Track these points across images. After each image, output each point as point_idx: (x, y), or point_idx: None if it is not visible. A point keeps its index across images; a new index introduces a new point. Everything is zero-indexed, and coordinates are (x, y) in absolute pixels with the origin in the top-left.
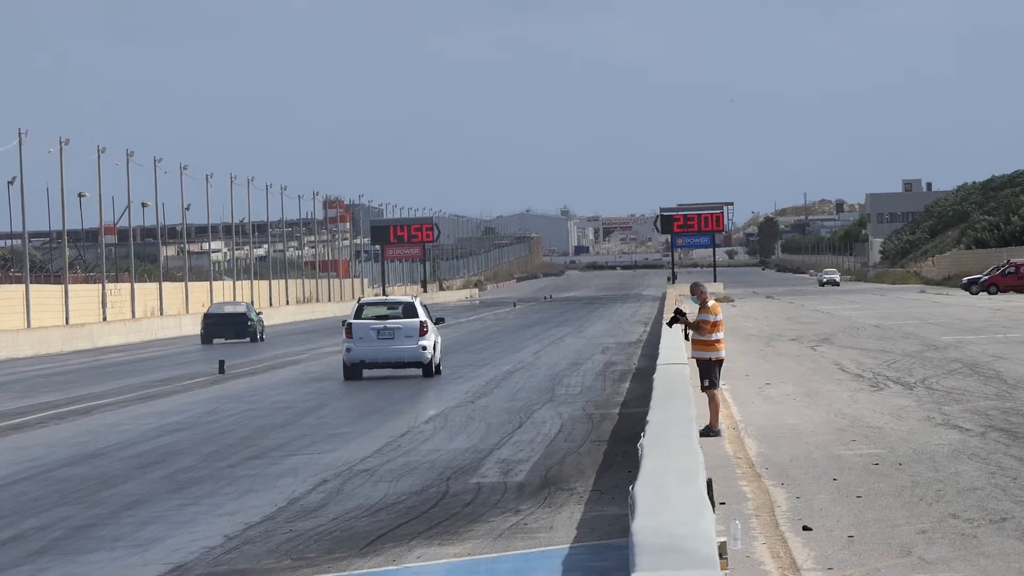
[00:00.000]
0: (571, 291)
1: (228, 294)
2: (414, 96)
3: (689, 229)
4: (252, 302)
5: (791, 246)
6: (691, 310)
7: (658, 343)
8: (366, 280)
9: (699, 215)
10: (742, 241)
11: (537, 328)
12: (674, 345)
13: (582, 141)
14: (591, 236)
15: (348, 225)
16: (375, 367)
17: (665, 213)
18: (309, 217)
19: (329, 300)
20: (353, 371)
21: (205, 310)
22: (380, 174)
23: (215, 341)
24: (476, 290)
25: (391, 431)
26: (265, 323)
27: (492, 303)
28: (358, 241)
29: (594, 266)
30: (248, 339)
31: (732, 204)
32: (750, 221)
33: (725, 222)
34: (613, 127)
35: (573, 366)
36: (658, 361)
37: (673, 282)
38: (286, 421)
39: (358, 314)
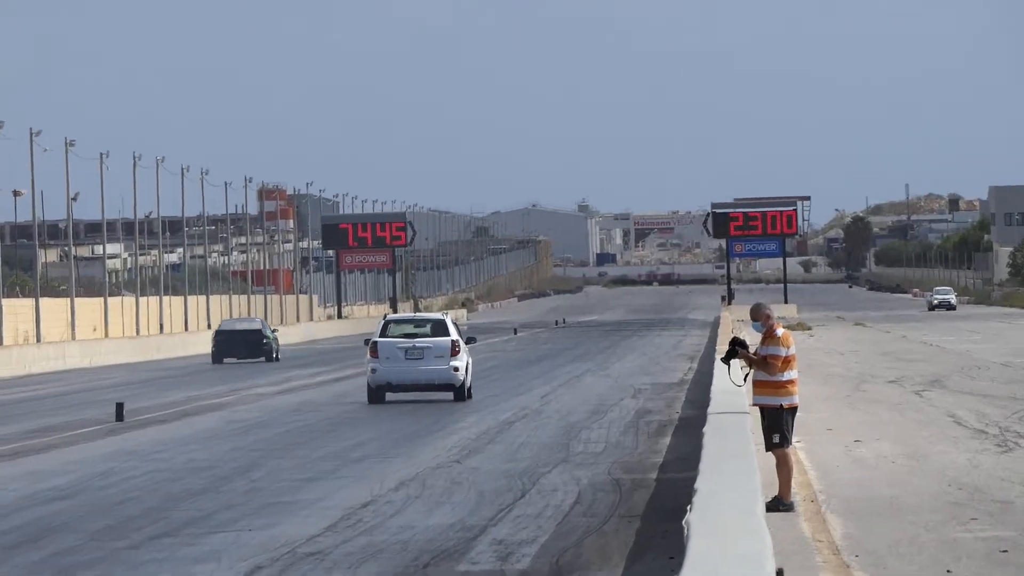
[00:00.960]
0: (592, 314)
1: (128, 313)
2: (384, 62)
3: (751, 232)
4: (161, 326)
5: (888, 256)
6: (753, 341)
7: (709, 385)
8: (315, 297)
9: (764, 213)
10: (822, 249)
11: (546, 363)
12: (730, 388)
13: (605, 118)
14: (619, 240)
15: (292, 223)
16: (402, 390)
17: (719, 210)
18: (240, 212)
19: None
20: (377, 394)
21: (216, 327)
22: (336, 158)
23: (226, 360)
24: (464, 311)
25: (349, 500)
26: (279, 342)
27: (485, 328)
28: (305, 245)
29: (623, 280)
30: (263, 358)
31: (808, 199)
32: (833, 222)
33: (799, 223)
34: (647, 103)
35: (594, 415)
36: (709, 409)
37: (729, 303)
38: (207, 486)
39: (384, 332)
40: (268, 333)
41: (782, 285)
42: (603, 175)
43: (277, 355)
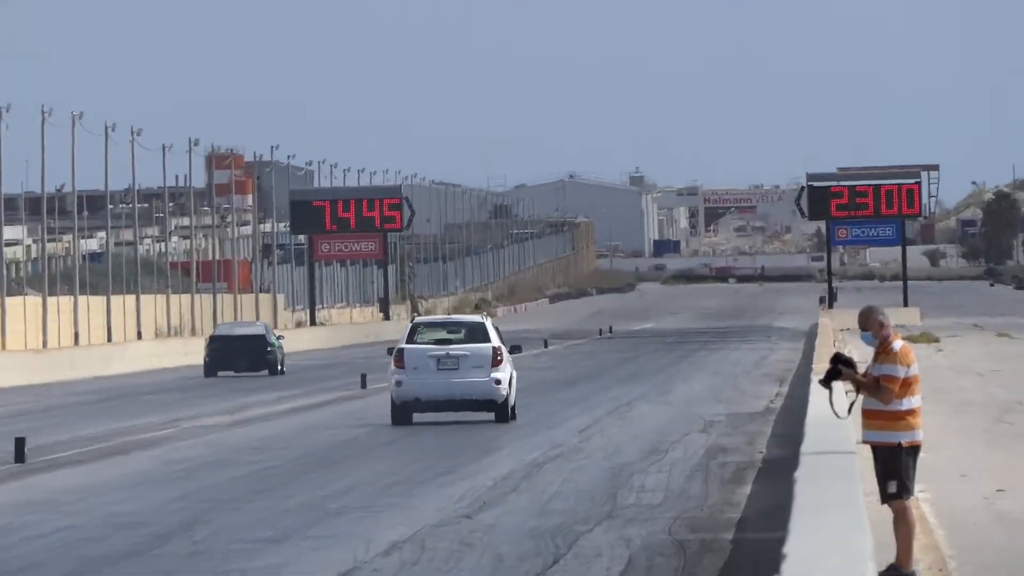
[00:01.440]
0: (647, 320)
1: (32, 318)
2: None
3: (860, 212)
4: (76, 335)
5: None
6: (863, 357)
7: (803, 416)
8: (281, 297)
9: (877, 188)
10: (954, 235)
11: (586, 386)
12: (832, 420)
13: (664, 64)
14: (684, 223)
15: (251, 198)
16: (433, 409)
17: (816, 183)
18: (182, 185)
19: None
20: (403, 412)
21: (210, 333)
22: (311, 114)
23: (220, 373)
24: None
25: (323, 568)
26: (283, 353)
27: (506, 340)
28: (268, 228)
29: (689, 275)
30: (266, 371)
31: (937, 169)
32: (969, 199)
33: (924, 200)
34: (719, 47)
35: (650, 455)
36: (803, 448)
37: (830, 306)
38: (135, 548)
39: (411, 337)
40: (273, 340)
41: (900, 283)
42: (663, 137)
43: (282, 367)
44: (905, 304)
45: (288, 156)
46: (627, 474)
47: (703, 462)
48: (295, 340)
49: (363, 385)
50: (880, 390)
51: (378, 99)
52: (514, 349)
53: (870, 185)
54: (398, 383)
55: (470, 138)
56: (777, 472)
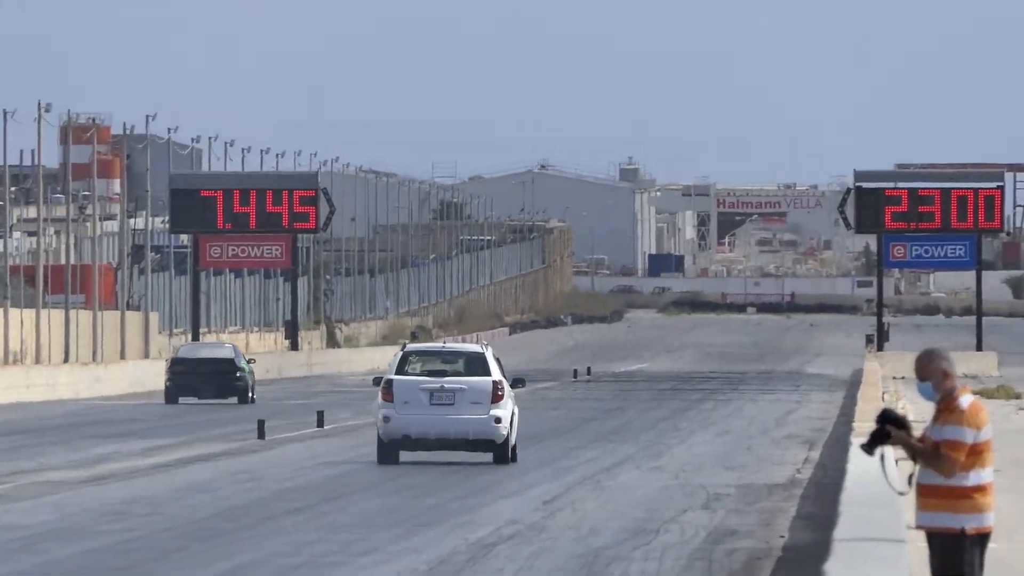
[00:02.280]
0: (639, 359)
1: None
2: None
3: (923, 224)
4: None
5: None
6: (921, 415)
7: (838, 491)
8: (155, 316)
9: (945, 192)
10: None
11: (554, 444)
12: (876, 496)
13: (664, 26)
14: (690, 232)
15: (119, 183)
16: (423, 447)
17: (866, 184)
18: (28, 166)
19: (65, 361)
20: (390, 451)
21: (172, 355)
22: (200, 81)
23: (182, 400)
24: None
25: None
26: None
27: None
28: (140, 224)
29: (697, 302)
30: (235, 398)
31: None
32: None
33: (1006, 211)
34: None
35: (636, 537)
36: (836, 532)
37: (879, 347)
38: None
39: (401, 367)
40: (243, 364)
41: (974, 319)
42: (665, 118)
43: (253, 394)
44: (979, 347)
45: (169, 129)
46: (603, 562)
47: (705, 548)
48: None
49: (260, 435)
50: (941, 459)
51: (290, 60)
52: (516, 383)
53: (937, 189)
54: (386, 418)
55: (411, 114)
56: (803, 564)
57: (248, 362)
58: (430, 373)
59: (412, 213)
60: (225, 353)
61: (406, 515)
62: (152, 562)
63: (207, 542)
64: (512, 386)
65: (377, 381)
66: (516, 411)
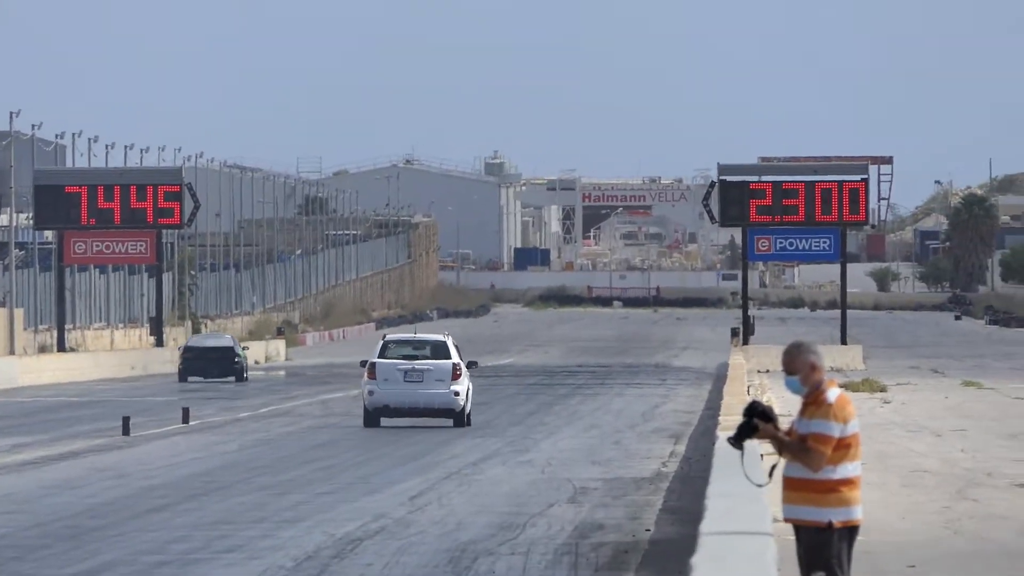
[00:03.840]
0: (506, 354)
1: None
2: None
3: (787, 217)
4: None
5: None
6: (787, 408)
7: (705, 485)
8: (20, 313)
9: (810, 185)
10: (909, 250)
11: (420, 439)
12: (742, 490)
13: (526, 18)
14: (555, 226)
15: None
16: (400, 415)
17: (730, 177)
18: None
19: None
20: (374, 417)
21: (183, 343)
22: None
23: (191, 379)
24: (280, 343)
25: None
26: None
27: (315, 376)
28: (3, 220)
29: (562, 296)
30: (233, 378)
31: (890, 163)
32: (930, 203)
33: (870, 203)
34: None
35: (502, 531)
36: (703, 527)
37: (745, 340)
38: None
39: (382, 352)
40: (239, 351)
41: (838, 312)
42: (529, 113)
43: (247, 375)
44: (844, 341)
45: (32, 126)
46: (470, 556)
47: (571, 542)
48: (37, 370)
49: (125, 431)
50: (808, 453)
51: (153, 55)
52: (471, 365)
53: (802, 182)
54: (370, 392)
55: (275, 109)
56: (669, 557)
57: (244, 348)
58: (404, 357)
59: (277, 208)
60: (226, 342)
61: (271, 511)
62: (14, 561)
63: (71, 540)
64: (467, 367)
65: (363, 363)
66: (470, 387)
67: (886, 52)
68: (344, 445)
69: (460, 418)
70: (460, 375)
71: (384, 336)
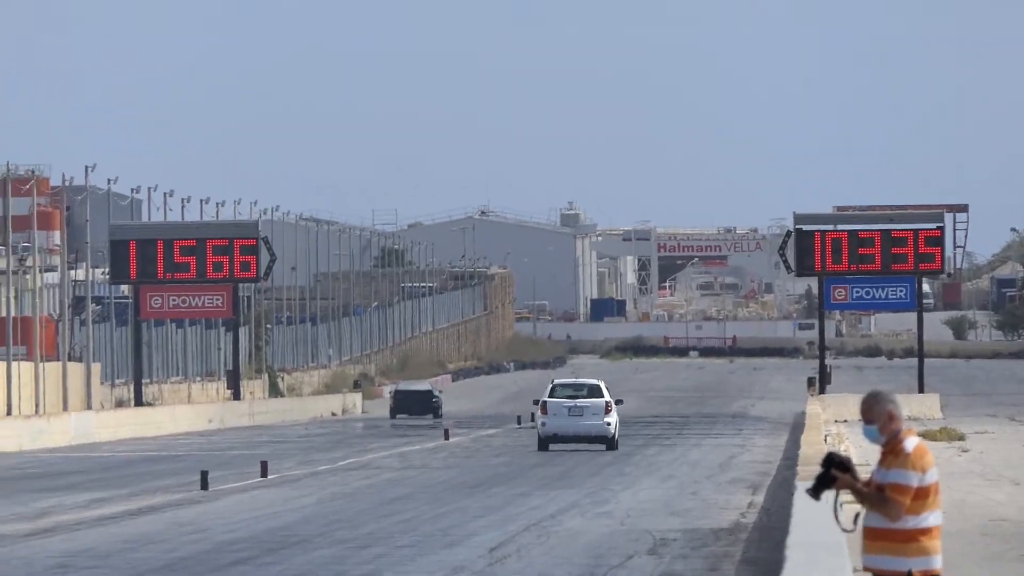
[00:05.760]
0: None
1: None
2: None
3: (863, 266)
4: None
5: None
6: (865, 457)
7: (784, 535)
8: (96, 367)
9: (885, 234)
10: (987, 298)
11: (499, 491)
12: (822, 541)
13: (605, 70)
14: (631, 277)
15: (59, 235)
16: (565, 441)
17: (807, 227)
18: None
19: (8, 413)
20: (545, 443)
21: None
22: (138, 132)
23: (399, 416)
24: (357, 395)
25: None
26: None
27: (390, 430)
28: (80, 275)
29: (639, 346)
30: (431, 415)
31: (966, 211)
32: (1007, 251)
33: (946, 252)
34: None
35: None
36: None
37: (821, 389)
38: None
39: (551, 393)
40: (436, 394)
41: (915, 361)
42: (605, 163)
43: (441, 413)
44: (921, 389)
45: (108, 180)
46: None
47: None
48: (114, 425)
49: (204, 485)
50: (886, 503)
51: (228, 110)
52: (618, 402)
53: (878, 231)
54: (543, 424)
55: (350, 161)
56: None
57: (439, 393)
58: (568, 396)
59: (353, 261)
60: (425, 387)
61: (350, 564)
62: None
63: None
64: (616, 404)
65: (536, 402)
66: (618, 419)
67: (961, 100)
68: (422, 498)
69: (611, 443)
70: (611, 410)
71: (552, 380)
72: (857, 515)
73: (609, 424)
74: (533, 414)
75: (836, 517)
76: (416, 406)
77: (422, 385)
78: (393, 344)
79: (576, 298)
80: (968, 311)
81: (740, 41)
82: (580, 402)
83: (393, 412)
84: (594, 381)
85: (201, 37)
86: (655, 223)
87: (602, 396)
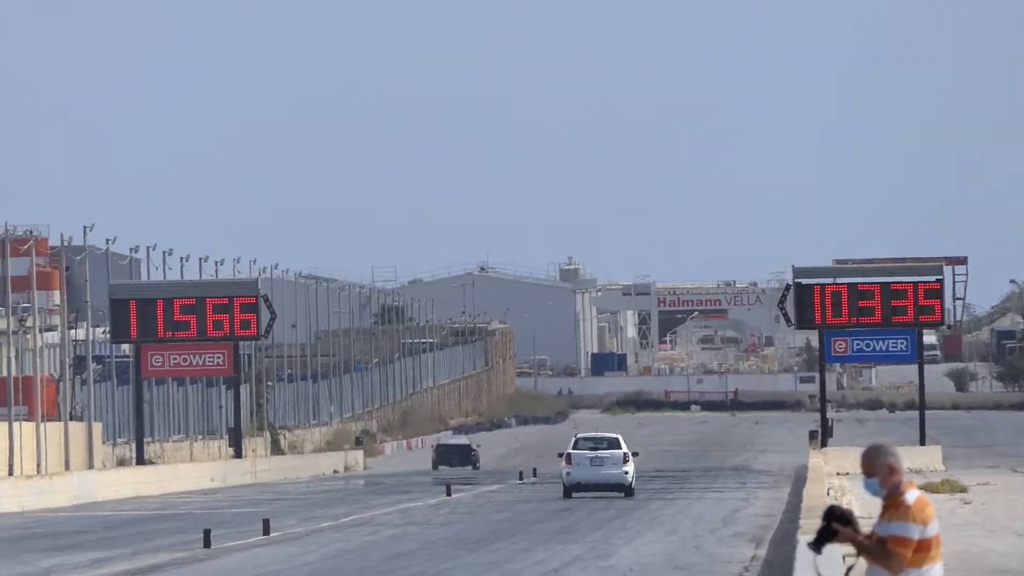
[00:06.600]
0: None
1: None
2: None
3: (863, 319)
4: None
5: None
6: (867, 510)
7: None
8: (98, 427)
9: (885, 286)
10: (987, 350)
11: (501, 546)
12: None
13: (601, 121)
14: (631, 331)
15: (59, 295)
16: (587, 490)
17: (806, 280)
18: None
19: (10, 474)
20: (569, 491)
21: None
22: (136, 191)
23: (440, 467)
24: (359, 452)
25: None
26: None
27: (393, 486)
28: (80, 335)
29: (640, 400)
30: (471, 467)
31: (965, 262)
32: (1007, 303)
33: (946, 304)
34: (672, 106)
35: None
36: None
37: (823, 442)
38: None
39: (575, 446)
40: (474, 448)
41: (916, 413)
42: (603, 217)
43: (479, 465)
44: (922, 442)
45: (107, 240)
46: None
47: None
48: (116, 484)
49: (206, 543)
50: (888, 556)
51: (224, 169)
52: (634, 454)
53: (877, 283)
54: (567, 473)
55: (349, 219)
56: None
57: (476, 447)
58: (590, 448)
59: (353, 318)
60: (464, 441)
61: None
62: None
63: None
64: (633, 455)
65: (560, 455)
66: (634, 468)
67: (958, 155)
68: (425, 554)
69: (629, 490)
70: (628, 460)
71: (576, 434)
72: (849, 569)
73: (627, 473)
74: (532, 470)
75: (818, 572)
76: (455, 458)
77: (461, 440)
78: (394, 400)
79: (577, 353)
80: (969, 363)
81: (739, 94)
82: (601, 453)
83: (435, 464)
84: (613, 435)
85: (198, 96)
86: (655, 277)
87: (620, 448)
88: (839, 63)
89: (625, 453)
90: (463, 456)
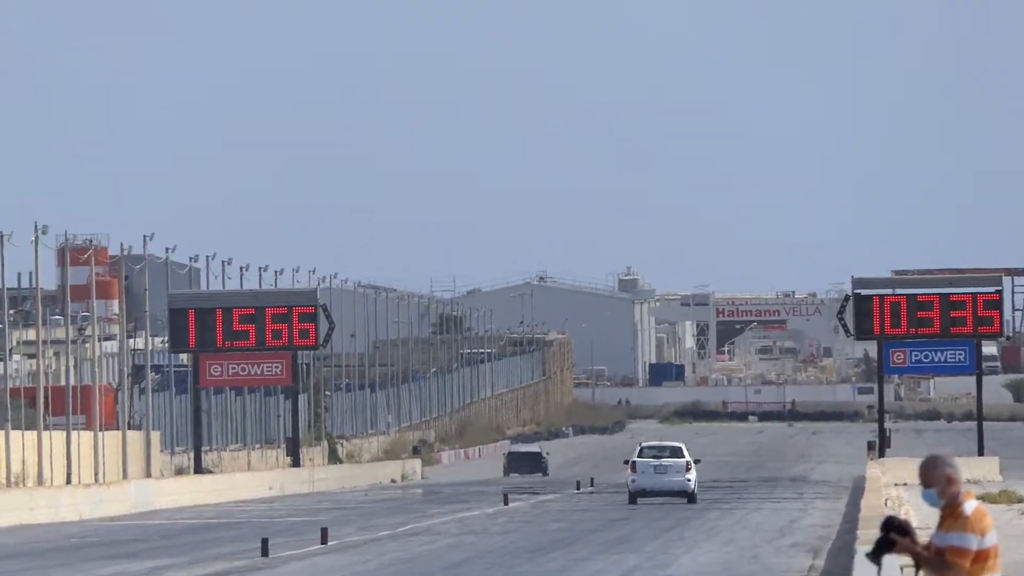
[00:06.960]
0: None
1: None
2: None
3: (922, 330)
4: None
5: None
6: (925, 521)
7: None
8: (156, 435)
9: (943, 297)
10: None
11: (558, 556)
12: None
13: (659, 135)
14: (689, 341)
15: (118, 304)
16: (651, 495)
17: (865, 291)
18: (27, 288)
19: (68, 482)
20: (634, 497)
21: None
22: (196, 200)
23: (512, 474)
24: (416, 462)
25: None
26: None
27: (451, 495)
28: (140, 344)
29: (697, 411)
30: (540, 473)
31: None
32: None
33: (1005, 315)
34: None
35: None
36: None
37: (881, 453)
38: None
39: (640, 454)
40: (544, 455)
41: (975, 424)
42: (662, 228)
43: (548, 472)
44: (980, 452)
45: (166, 249)
46: None
47: None
48: (174, 493)
49: (264, 552)
50: (946, 566)
51: (285, 178)
52: (696, 462)
53: (936, 294)
54: (632, 480)
55: (408, 229)
56: None
57: (546, 454)
58: (654, 456)
59: (412, 327)
60: (535, 449)
61: None
62: None
63: None
64: (695, 463)
65: (626, 462)
66: (696, 475)
67: (1018, 161)
68: (482, 563)
69: (692, 497)
70: (691, 468)
71: (640, 443)
72: None
73: (689, 480)
74: (590, 479)
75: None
76: (526, 466)
77: (532, 447)
78: (452, 410)
79: (635, 363)
80: None
81: (798, 105)
82: (664, 461)
83: (507, 471)
84: (676, 443)
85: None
86: (713, 287)
87: (683, 456)
88: (909, 73)
89: (688, 461)
90: (533, 463)
